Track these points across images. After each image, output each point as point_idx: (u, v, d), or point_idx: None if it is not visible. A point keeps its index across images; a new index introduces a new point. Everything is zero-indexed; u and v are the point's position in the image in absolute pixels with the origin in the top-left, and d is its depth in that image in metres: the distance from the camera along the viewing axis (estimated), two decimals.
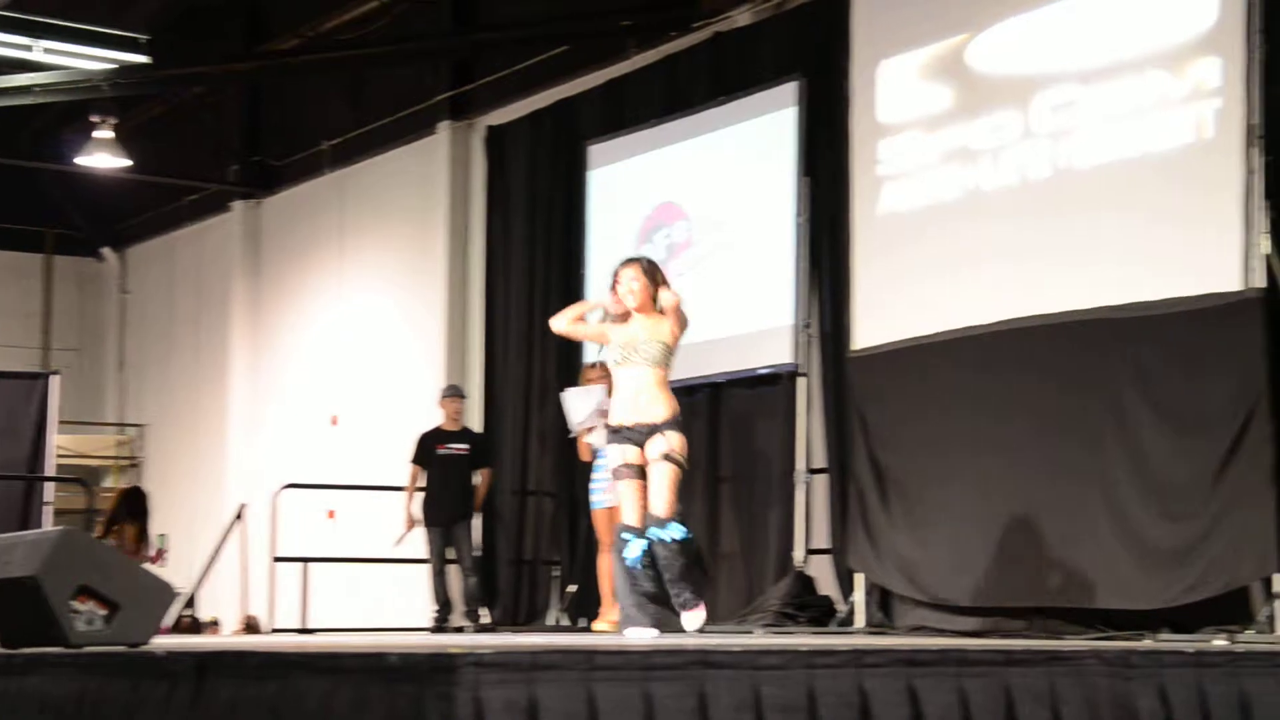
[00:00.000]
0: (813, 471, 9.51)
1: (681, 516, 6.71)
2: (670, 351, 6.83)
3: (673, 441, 6.70)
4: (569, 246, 11.59)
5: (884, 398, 8.93)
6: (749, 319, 10.00)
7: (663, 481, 6.64)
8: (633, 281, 6.80)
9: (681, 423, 6.82)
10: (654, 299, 6.80)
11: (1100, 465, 7.86)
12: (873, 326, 9.06)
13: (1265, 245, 7.33)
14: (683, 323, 6.86)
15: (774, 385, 9.65)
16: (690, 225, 10.65)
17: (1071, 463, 7.97)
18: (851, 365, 9.21)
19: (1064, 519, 7.97)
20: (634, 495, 6.71)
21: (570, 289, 11.50)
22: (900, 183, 9.06)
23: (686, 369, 10.14)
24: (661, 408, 6.73)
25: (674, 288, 6.94)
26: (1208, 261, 7.48)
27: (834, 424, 9.48)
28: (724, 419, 10.21)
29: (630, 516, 6.72)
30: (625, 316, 6.86)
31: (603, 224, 11.35)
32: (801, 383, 9.57)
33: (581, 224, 11.48)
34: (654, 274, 6.88)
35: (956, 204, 8.72)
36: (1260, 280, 7.31)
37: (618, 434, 6.76)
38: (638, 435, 6.71)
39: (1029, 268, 8.24)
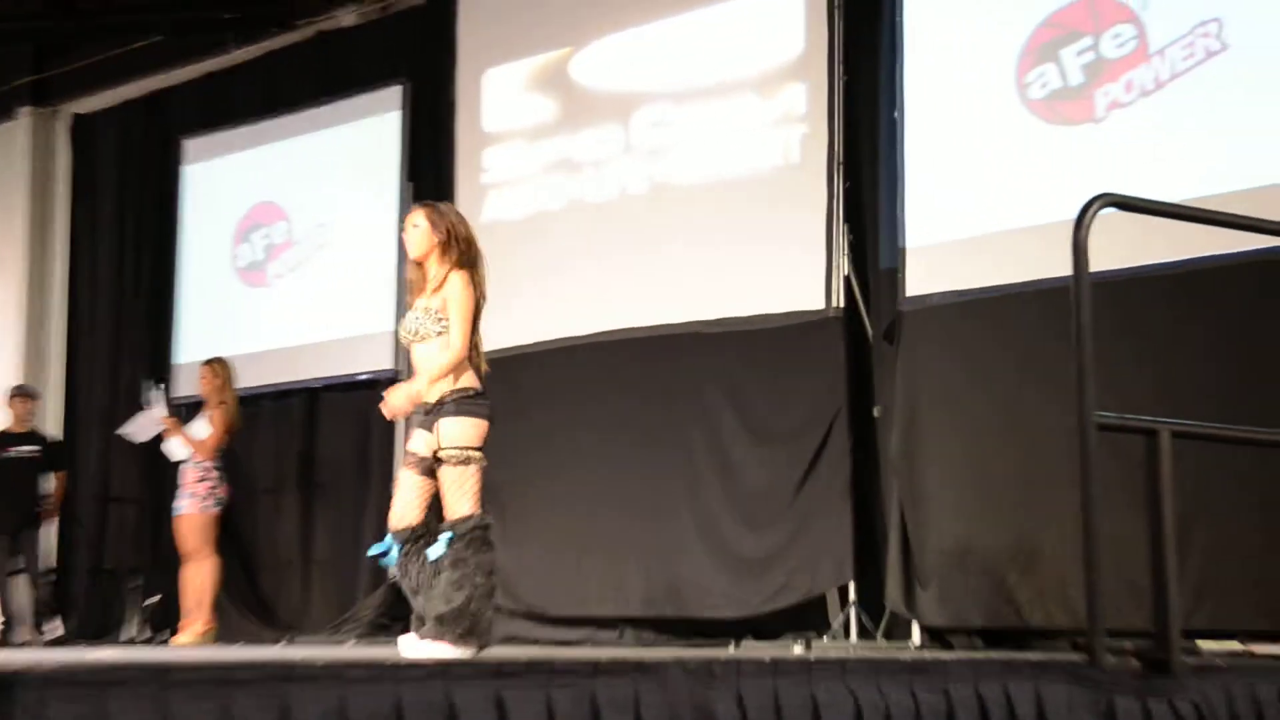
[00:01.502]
0: None
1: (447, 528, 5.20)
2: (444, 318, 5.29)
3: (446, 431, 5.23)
4: (161, 243, 11.15)
5: None
6: (349, 324, 9.84)
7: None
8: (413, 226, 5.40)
9: (464, 404, 5.25)
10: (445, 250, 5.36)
11: (692, 477, 8.07)
12: None
13: (845, 266, 7.69)
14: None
15: (373, 390, 9.48)
16: (290, 226, 10.41)
17: (666, 475, 8.15)
18: None
19: (657, 530, 8.14)
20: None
21: (161, 288, 11.08)
22: (504, 192, 9.10)
23: (283, 373, 9.99)
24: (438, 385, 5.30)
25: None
26: (795, 281, 7.79)
27: None
28: (321, 425, 10.05)
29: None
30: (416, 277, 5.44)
31: (197, 221, 10.97)
32: None
33: (174, 220, 11.07)
34: (442, 223, 5.37)
35: (559, 214, 8.82)
36: (841, 300, 7.66)
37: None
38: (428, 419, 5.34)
39: (627, 280, 8.40)
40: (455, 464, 5.18)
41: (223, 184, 10.80)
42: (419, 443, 5.27)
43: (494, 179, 9.14)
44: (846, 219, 7.71)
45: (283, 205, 10.45)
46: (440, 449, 5.19)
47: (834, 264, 7.69)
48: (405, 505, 5.28)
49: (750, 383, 7.96)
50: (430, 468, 5.24)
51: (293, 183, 10.39)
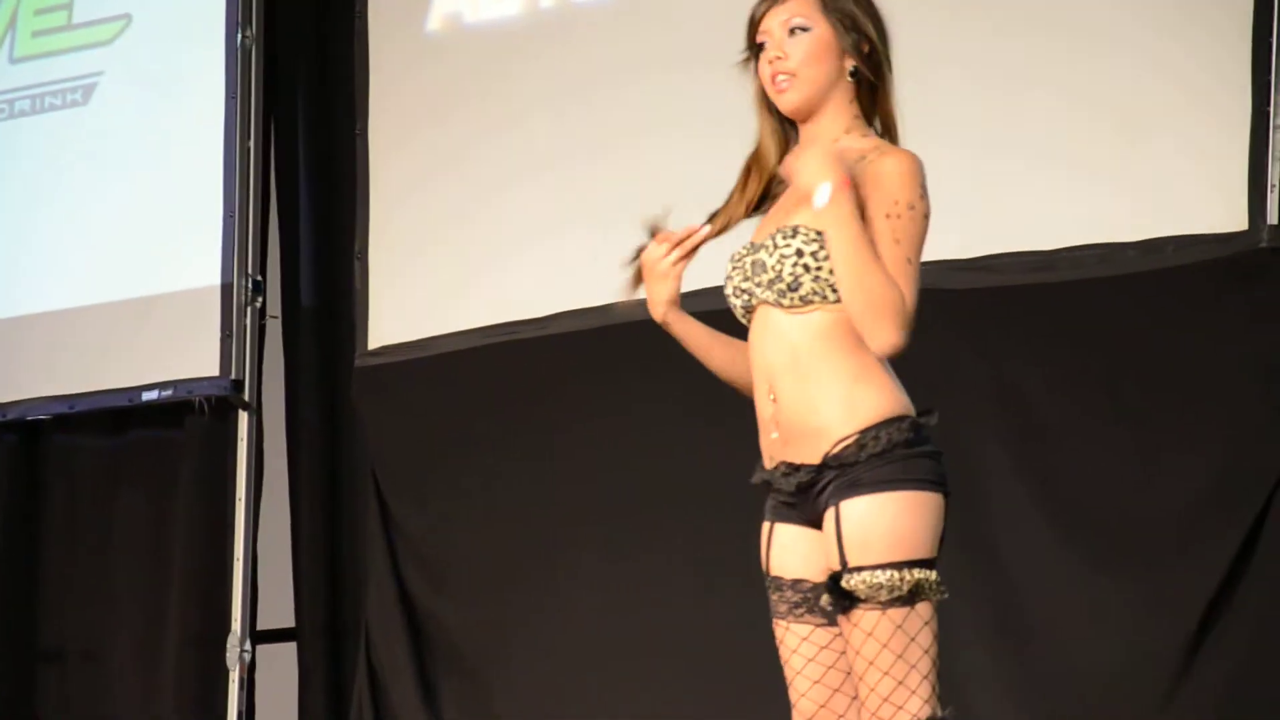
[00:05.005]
0: None
1: None
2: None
3: (876, 520, 2.32)
4: None
5: None
6: (121, 276, 5.09)
7: (872, 649, 2.35)
8: (785, 39, 2.40)
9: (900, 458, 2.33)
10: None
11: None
12: None
13: None
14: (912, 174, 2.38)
15: (172, 432, 5.51)
16: None
17: None
18: None
19: None
20: (815, 681, 2.47)
21: None
22: None
23: None
24: (837, 412, 2.35)
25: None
26: (1173, 169, 3.67)
27: None
28: (52, 498, 5.52)
29: None
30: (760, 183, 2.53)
31: None
32: None
33: None
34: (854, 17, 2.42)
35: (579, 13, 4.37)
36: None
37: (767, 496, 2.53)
38: (797, 500, 2.42)
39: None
40: (889, 603, 2.28)
41: None
42: (796, 557, 2.38)
43: None
44: None
45: None
46: (850, 569, 2.29)
47: (1271, 126, 3.55)
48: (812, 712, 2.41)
49: (1068, 404, 3.75)
50: (833, 610, 2.32)
51: None
